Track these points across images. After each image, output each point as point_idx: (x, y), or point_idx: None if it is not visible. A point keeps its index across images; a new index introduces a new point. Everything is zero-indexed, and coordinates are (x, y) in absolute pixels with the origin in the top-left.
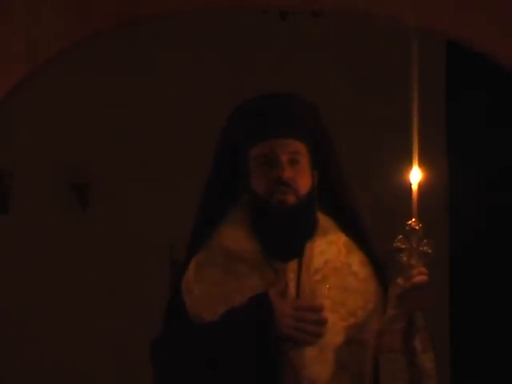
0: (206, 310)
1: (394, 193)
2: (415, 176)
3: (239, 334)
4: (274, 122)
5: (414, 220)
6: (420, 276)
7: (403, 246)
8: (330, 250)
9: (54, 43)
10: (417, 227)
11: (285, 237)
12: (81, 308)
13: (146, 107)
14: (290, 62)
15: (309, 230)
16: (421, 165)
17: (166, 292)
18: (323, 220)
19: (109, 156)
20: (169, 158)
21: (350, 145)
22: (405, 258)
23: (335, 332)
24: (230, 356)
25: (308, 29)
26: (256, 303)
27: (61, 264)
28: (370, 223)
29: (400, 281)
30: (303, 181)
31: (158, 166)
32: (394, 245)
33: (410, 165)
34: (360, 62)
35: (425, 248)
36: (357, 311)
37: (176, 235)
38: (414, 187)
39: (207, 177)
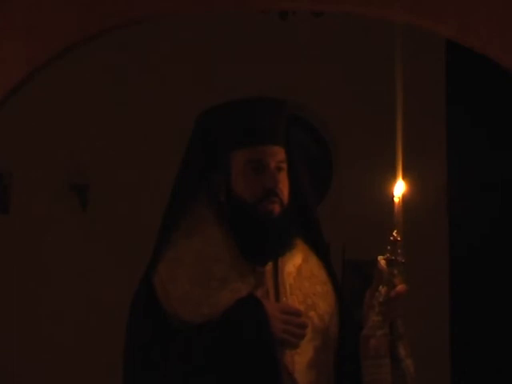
0: (188, 311)
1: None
2: (399, 189)
3: (234, 337)
4: (264, 128)
5: (396, 231)
6: (402, 285)
7: (393, 258)
8: (295, 254)
9: (54, 43)
10: (399, 238)
11: (268, 243)
12: (80, 308)
13: (146, 107)
14: (290, 62)
15: (288, 237)
16: (420, 166)
17: None
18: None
19: (109, 156)
20: (169, 158)
21: (349, 145)
22: (390, 268)
23: (312, 336)
24: (224, 361)
25: (308, 29)
26: (247, 306)
27: (61, 264)
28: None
29: (382, 289)
30: (286, 189)
31: (158, 165)
32: (386, 256)
33: (408, 167)
34: (360, 62)
35: (399, 258)
36: (324, 315)
37: None
38: (397, 200)
39: (177, 173)
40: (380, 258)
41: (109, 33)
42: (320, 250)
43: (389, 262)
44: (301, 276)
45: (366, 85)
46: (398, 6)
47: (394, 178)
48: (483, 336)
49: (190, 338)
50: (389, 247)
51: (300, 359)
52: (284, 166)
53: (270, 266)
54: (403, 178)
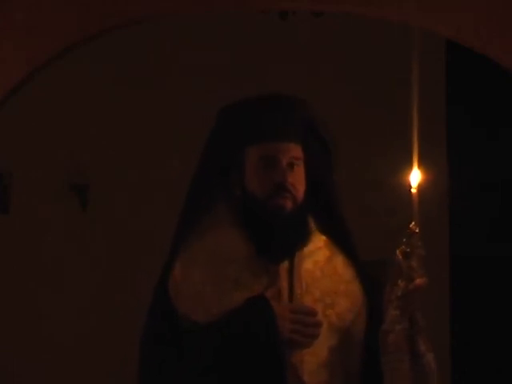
0: (199, 311)
1: (394, 195)
2: (415, 178)
3: (240, 337)
4: (277, 125)
5: (413, 223)
6: (421, 278)
7: (408, 250)
8: (317, 252)
9: (54, 43)
10: (416, 230)
11: (279, 241)
12: (80, 308)
13: (145, 107)
14: (290, 62)
15: (303, 235)
16: (420, 165)
17: None
18: (312, 222)
19: (109, 156)
20: (169, 158)
21: (349, 145)
22: (407, 261)
23: (327, 335)
24: (230, 361)
25: (308, 29)
26: (255, 306)
27: (61, 264)
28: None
29: (401, 283)
30: (300, 186)
31: (158, 165)
32: (401, 248)
33: (410, 167)
34: (360, 62)
35: (420, 250)
36: (345, 313)
37: None
38: (414, 190)
39: (194, 173)
40: (397, 251)
41: (109, 33)
42: (348, 248)
43: (405, 254)
44: (322, 274)
45: (366, 85)
46: (398, 6)
47: (394, 177)
48: (484, 334)
49: (197, 338)
50: (404, 239)
51: (311, 359)
52: (299, 162)
53: (285, 265)
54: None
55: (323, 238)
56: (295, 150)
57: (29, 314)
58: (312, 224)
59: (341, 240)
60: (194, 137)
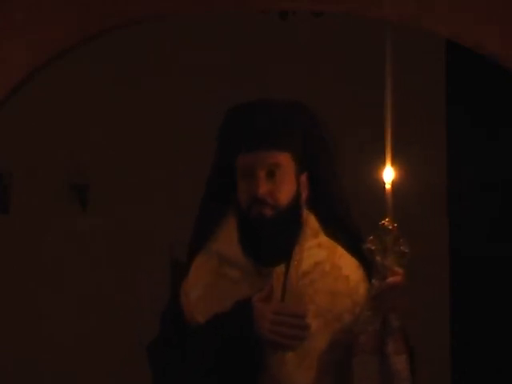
0: (201, 314)
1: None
2: (388, 175)
3: (220, 338)
4: (256, 134)
5: (387, 220)
6: (394, 277)
7: (373, 247)
8: (320, 254)
9: (54, 44)
10: (390, 227)
11: (267, 246)
12: (80, 308)
13: (146, 107)
14: (290, 62)
15: (293, 237)
16: (420, 165)
17: (166, 292)
18: (314, 223)
19: (109, 156)
20: (169, 158)
21: (349, 144)
22: (378, 259)
23: (319, 337)
24: (213, 361)
25: (308, 29)
26: (238, 308)
27: (61, 264)
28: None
29: (375, 281)
30: (282, 192)
31: (158, 165)
32: (365, 246)
33: (409, 169)
34: (360, 62)
35: (401, 248)
36: (343, 315)
37: (176, 235)
38: (388, 186)
39: (207, 178)
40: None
41: (109, 33)
42: (358, 249)
43: (371, 252)
44: (322, 275)
45: (366, 85)
46: (397, 7)
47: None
48: (484, 334)
49: (195, 341)
50: (371, 237)
51: (292, 360)
52: (278, 169)
53: (281, 268)
54: (392, 165)
55: (329, 239)
56: (274, 157)
57: (29, 313)
58: (313, 224)
59: (350, 241)
60: (194, 137)
